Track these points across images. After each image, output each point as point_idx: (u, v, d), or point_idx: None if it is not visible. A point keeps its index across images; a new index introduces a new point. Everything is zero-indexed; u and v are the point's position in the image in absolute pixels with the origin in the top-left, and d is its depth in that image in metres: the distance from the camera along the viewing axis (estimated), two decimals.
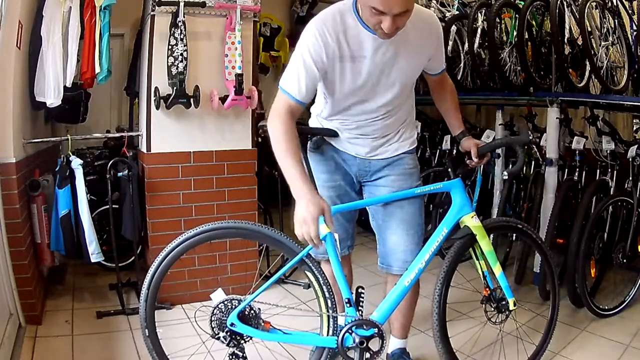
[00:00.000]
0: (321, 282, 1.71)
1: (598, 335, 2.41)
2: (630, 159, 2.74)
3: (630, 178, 2.72)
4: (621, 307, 2.65)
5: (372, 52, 1.64)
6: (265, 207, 3.32)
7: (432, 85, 1.99)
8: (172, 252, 1.70)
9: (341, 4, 1.65)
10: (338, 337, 1.69)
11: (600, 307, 2.58)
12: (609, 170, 2.84)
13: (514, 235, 3.19)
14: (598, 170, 2.90)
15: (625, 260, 2.68)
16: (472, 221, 1.82)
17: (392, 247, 1.91)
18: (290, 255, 1.73)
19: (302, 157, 1.67)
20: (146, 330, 1.71)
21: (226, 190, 2.83)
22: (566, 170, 3.10)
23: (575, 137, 2.96)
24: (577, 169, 2.94)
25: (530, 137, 2.10)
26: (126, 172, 2.65)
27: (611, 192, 2.77)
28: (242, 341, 1.70)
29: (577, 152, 2.92)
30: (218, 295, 1.72)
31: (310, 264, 1.72)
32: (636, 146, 2.74)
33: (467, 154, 1.95)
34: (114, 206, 2.74)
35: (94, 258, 2.61)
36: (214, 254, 2.81)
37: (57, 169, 2.58)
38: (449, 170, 1.88)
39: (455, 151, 3.73)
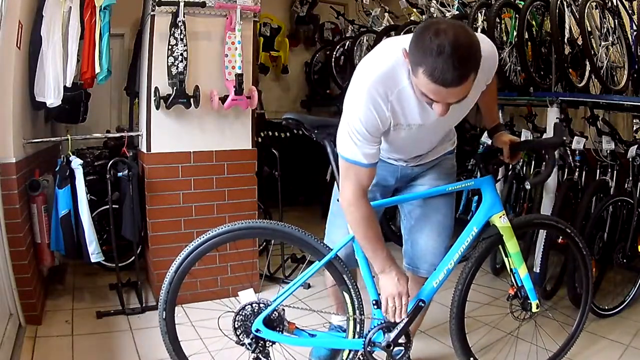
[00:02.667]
0: (349, 285, 1.70)
1: (598, 335, 2.41)
2: (630, 159, 2.73)
3: (630, 178, 2.72)
4: (621, 307, 2.65)
5: (426, 118, 1.52)
6: (265, 207, 3.32)
7: None
8: (195, 250, 1.67)
9: (399, 54, 1.40)
10: (365, 339, 1.69)
11: (600, 307, 2.58)
12: (609, 170, 2.83)
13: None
14: (598, 170, 2.89)
15: (625, 260, 2.67)
16: (500, 221, 1.76)
17: (423, 249, 1.87)
18: (316, 257, 1.71)
19: (382, 236, 1.61)
20: (166, 334, 1.67)
21: (226, 190, 2.83)
22: (566, 170, 3.10)
23: (575, 137, 2.95)
24: (577, 169, 2.93)
25: (564, 139, 1.91)
26: (126, 172, 2.65)
27: (611, 192, 2.77)
28: (268, 346, 1.67)
29: (577, 152, 2.92)
30: (248, 295, 1.67)
31: (338, 267, 1.70)
32: (636, 146, 2.74)
33: (499, 151, 1.84)
34: (114, 206, 2.73)
35: (94, 258, 2.61)
36: (214, 254, 2.79)
37: (57, 169, 2.57)
38: (481, 166, 1.79)
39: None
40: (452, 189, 1.82)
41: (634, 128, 3.04)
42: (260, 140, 3.28)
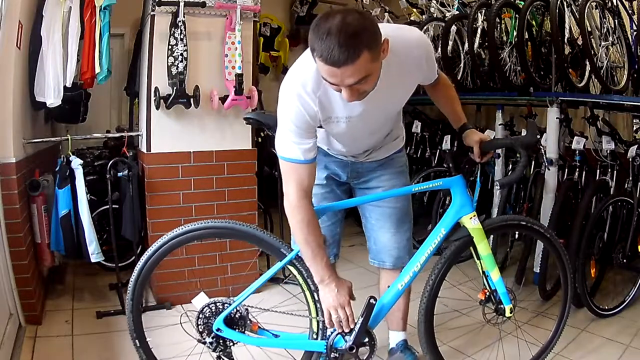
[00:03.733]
0: (310, 285, 1.68)
1: (598, 335, 2.41)
2: (630, 159, 2.73)
3: (630, 178, 2.72)
4: (621, 307, 2.64)
5: (350, 111, 1.55)
6: (265, 207, 3.32)
7: (427, 89, 1.89)
8: (153, 255, 1.68)
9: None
10: (327, 341, 1.67)
11: (600, 307, 2.58)
12: (609, 170, 2.83)
13: (515, 235, 3.20)
14: (598, 170, 2.89)
15: (625, 260, 2.67)
16: (470, 223, 1.72)
17: (385, 244, 1.93)
18: (278, 257, 1.70)
19: (322, 241, 1.61)
20: (136, 340, 1.70)
21: (226, 190, 2.83)
22: (566, 170, 3.10)
23: (575, 137, 2.95)
24: (577, 169, 2.93)
25: (538, 137, 1.87)
26: (126, 172, 2.65)
27: (611, 192, 2.77)
28: (230, 345, 1.67)
29: (577, 152, 2.92)
30: (200, 300, 1.68)
31: (300, 266, 1.68)
32: (636, 146, 2.73)
33: (470, 149, 1.82)
34: (114, 206, 2.73)
35: (94, 258, 2.61)
36: (214, 254, 2.80)
37: (57, 169, 2.58)
38: (450, 166, 1.76)
39: (455, 147, 3.73)
40: (417, 189, 1.86)
41: (634, 128, 3.04)
42: (260, 140, 3.28)
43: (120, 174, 2.67)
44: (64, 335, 2.34)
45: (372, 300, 1.65)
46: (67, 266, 3.12)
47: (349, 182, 1.92)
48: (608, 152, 2.83)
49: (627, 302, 2.66)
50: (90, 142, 3.69)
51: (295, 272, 1.70)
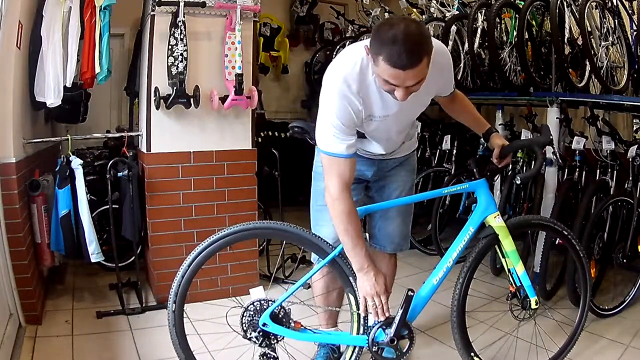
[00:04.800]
0: (352, 281, 1.73)
1: (598, 335, 2.41)
2: (630, 159, 2.73)
3: (630, 178, 2.72)
4: (621, 307, 2.64)
5: (388, 111, 1.68)
6: (265, 207, 3.32)
7: (443, 102, 2.00)
8: (203, 251, 1.71)
9: (362, 54, 1.59)
10: (369, 335, 1.72)
11: (600, 307, 2.58)
12: (609, 170, 2.83)
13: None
14: (598, 170, 2.89)
15: (625, 260, 2.67)
16: (495, 221, 1.82)
17: (390, 233, 2.05)
18: (321, 254, 1.76)
19: (362, 234, 1.69)
20: (174, 329, 1.70)
21: (226, 190, 2.83)
22: (566, 170, 3.10)
23: (575, 137, 2.96)
24: (577, 169, 2.93)
25: (551, 137, 2.02)
26: (126, 172, 2.65)
27: (611, 192, 2.77)
28: (275, 341, 1.72)
29: (577, 152, 2.92)
30: (257, 292, 1.74)
31: (341, 264, 1.74)
32: (636, 146, 2.73)
33: (491, 155, 1.96)
34: (114, 206, 2.74)
35: (94, 258, 2.61)
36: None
37: (57, 169, 2.58)
38: (475, 170, 1.87)
39: (456, 148, 3.74)
40: (447, 191, 1.97)
41: (634, 128, 3.04)
42: (260, 140, 3.28)
43: (120, 174, 2.67)
44: (64, 335, 2.34)
45: (410, 293, 1.71)
46: (67, 266, 3.12)
47: (370, 180, 2.01)
48: (608, 152, 2.84)
49: (627, 302, 2.66)
50: (90, 142, 3.69)
51: (336, 269, 1.76)
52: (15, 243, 2.31)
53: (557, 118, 2.95)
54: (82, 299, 2.78)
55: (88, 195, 2.65)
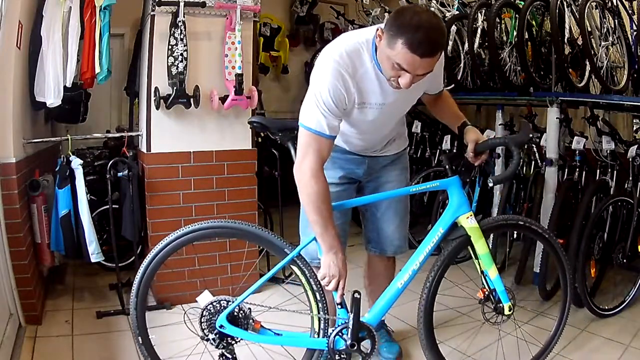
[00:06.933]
0: (312, 283, 1.70)
1: (598, 335, 2.41)
2: (630, 159, 2.73)
3: (630, 178, 2.72)
4: (621, 307, 2.64)
5: (385, 99, 1.67)
6: (265, 207, 3.32)
7: (428, 100, 1.98)
8: (158, 254, 1.70)
9: (362, 39, 1.61)
10: (329, 339, 1.69)
11: (600, 307, 2.58)
12: (609, 170, 2.83)
13: (514, 234, 3.20)
14: (598, 170, 2.90)
15: (625, 260, 2.67)
16: (467, 222, 1.75)
17: (389, 235, 2.05)
18: (280, 255, 1.72)
19: (332, 216, 1.65)
20: (139, 337, 1.70)
21: (226, 190, 2.83)
22: (566, 170, 3.10)
23: (575, 137, 2.96)
24: (577, 169, 2.93)
25: (531, 136, 1.92)
26: (126, 172, 2.65)
27: (611, 192, 2.77)
28: (232, 342, 1.69)
29: (577, 152, 2.92)
30: (204, 298, 1.71)
31: (302, 265, 1.70)
32: (636, 146, 2.74)
33: (465, 151, 1.85)
34: (114, 206, 2.74)
35: (94, 258, 2.61)
36: (214, 254, 2.80)
37: (57, 169, 2.58)
38: (446, 167, 1.79)
39: (455, 148, 3.73)
40: (415, 190, 1.94)
41: (634, 128, 3.04)
42: (260, 140, 3.28)
43: (120, 174, 2.67)
44: (64, 335, 2.34)
45: (356, 295, 1.66)
46: (67, 266, 3.12)
47: (362, 180, 2.00)
48: (608, 152, 2.84)
49: (627, 302, 2.66)
50: (90, 142, 3.69)
51: (297, 270, 1.72)
52: (15, 243, 2.31)
53: (557, 118, 2.95)
54: (82, 299, 2.78)
55: (88, 195, 2.65)
